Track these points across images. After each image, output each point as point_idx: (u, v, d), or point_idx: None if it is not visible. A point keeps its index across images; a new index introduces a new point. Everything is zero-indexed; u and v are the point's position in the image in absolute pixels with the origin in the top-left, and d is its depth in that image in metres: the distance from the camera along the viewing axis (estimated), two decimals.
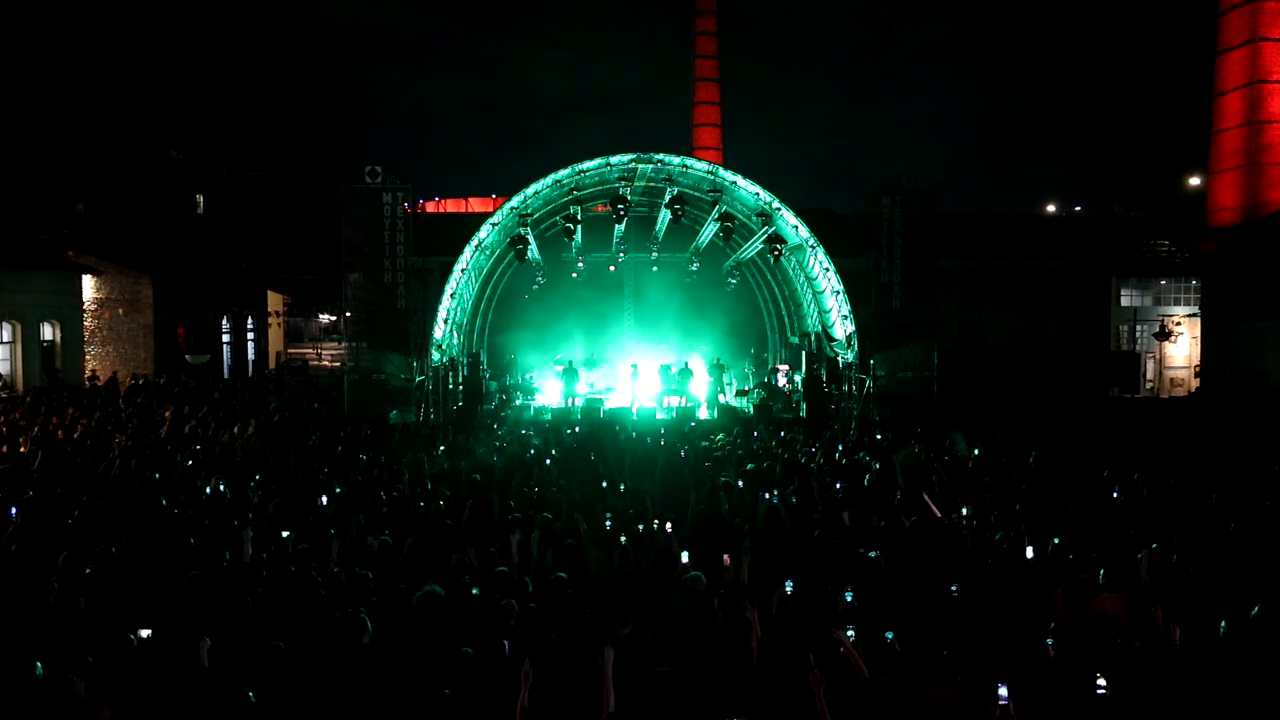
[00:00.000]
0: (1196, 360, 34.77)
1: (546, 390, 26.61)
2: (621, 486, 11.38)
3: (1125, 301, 36.85)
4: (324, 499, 10.31)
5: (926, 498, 10.23)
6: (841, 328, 22.57)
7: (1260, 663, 5.52)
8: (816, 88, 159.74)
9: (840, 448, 15.31)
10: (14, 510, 8.93)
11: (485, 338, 29.34)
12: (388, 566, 7.78)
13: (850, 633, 5.71)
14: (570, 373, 24.58)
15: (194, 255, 37.81)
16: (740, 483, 11.31)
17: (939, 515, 9.77)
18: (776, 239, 22.46)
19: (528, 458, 14.10)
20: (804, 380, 24.27)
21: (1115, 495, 11.08)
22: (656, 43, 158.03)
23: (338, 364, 36.41)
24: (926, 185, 23.05)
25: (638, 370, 24.72)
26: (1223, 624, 5.95)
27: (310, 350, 51.60)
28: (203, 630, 5.70)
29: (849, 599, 6.57)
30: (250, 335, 41.36)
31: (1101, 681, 4.96)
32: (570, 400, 24.13)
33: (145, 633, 5.80)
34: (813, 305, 24.49)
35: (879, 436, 17.56)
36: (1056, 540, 8.31)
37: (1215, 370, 32.37)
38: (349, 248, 22.12)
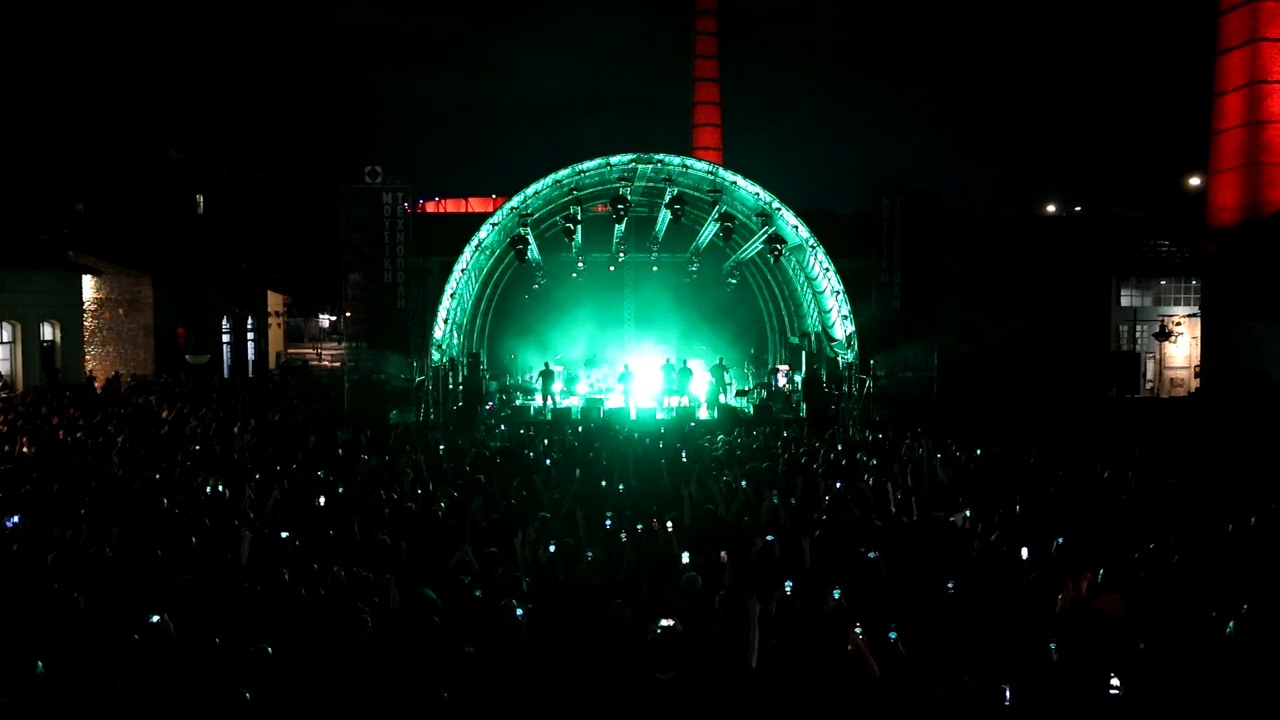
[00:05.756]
0: (1196, 360, 34.77)
1: None
2: (621, 487, 11.37)
3: (1125, 301, 36.85)
4: (322, 499, 10.31)
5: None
6: (841, 328, 22.57)
7: (1258, 661, 5.52)
8: (816, 88, 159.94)
9: (840, 447, 15.29)
10: (17, 518, 8.93)
11: (485, 338, 29.33)
12: (388, 567, 7.76)
13: (858, 632, 5.70)
14: (548, 375, 24.57)
15: (194, 255, 37.78)
16: (744, 483, 11.30)
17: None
18: (776, 239, 22.46)
19: (528, 458, 14.08)
20: (804, 380, 24.26)
21: (1115, 495, 11.07)
22: (656, 43, 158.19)
23: (338, 364, 36.38)
24: (926, 185, 23.06)
25: (629, 371, 24.63)
26: (1230, 625, 5.94)
27: (310, 350, 51.61)
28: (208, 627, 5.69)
29: (842, 599, 6.57)
30: (250, 335, 41.34)
31: (1115, 682, 4.95)
32: (549, 399, 24.13)
33: (155, 619, 5.78)
34: (813, 305, 24.49)
35: (879, 436, 17.55)
36: (1060, 540, 8.31)
37: (1215, 370, 32.37)
38: (349, 248, 22.11)
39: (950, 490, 11.35)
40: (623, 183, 23.09)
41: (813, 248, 22.48)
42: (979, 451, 14.58)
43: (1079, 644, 5.77)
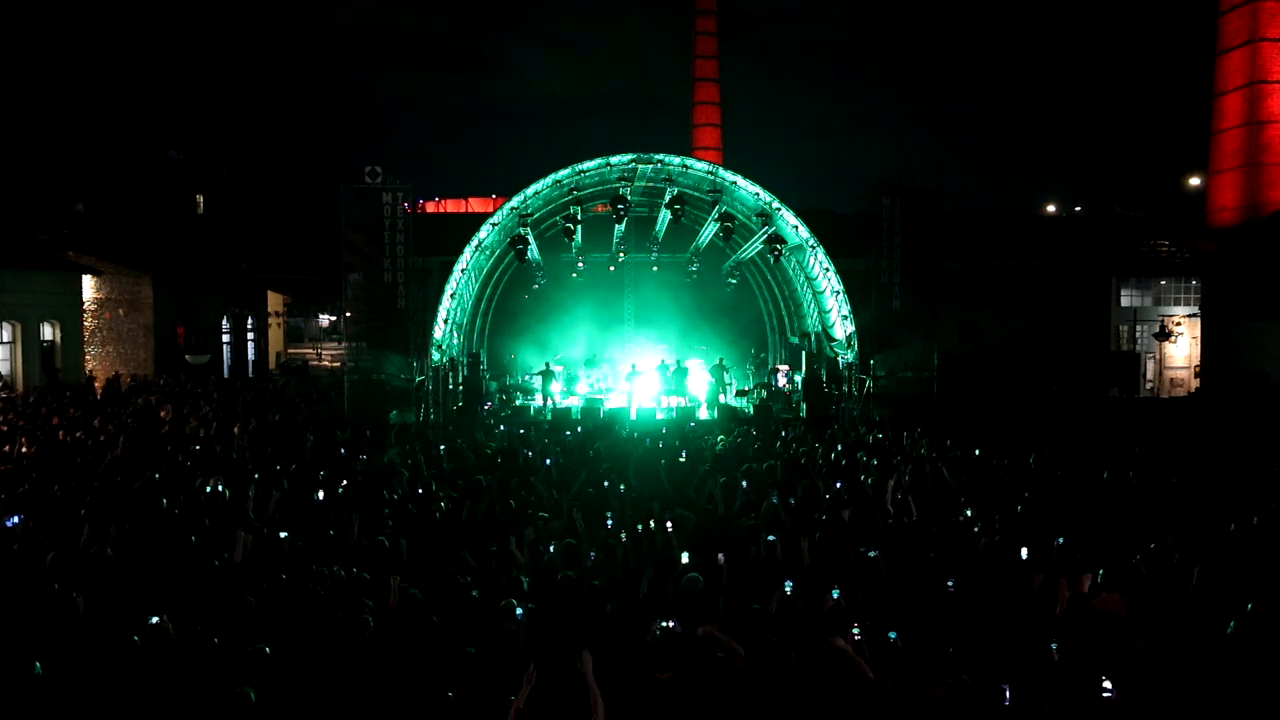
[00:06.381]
0: (1196, 360, 34.76)
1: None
2: (622, 487, 11.37)
3: (1125, 301, 36.84)
4: (320, 494, 10.32)
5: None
6: (841, 328, 22.56)
7: (1261, 662, 5.51)
8: (816, 88, 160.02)
9: (840, 448, 15.29)
10: (17, 518, 8.93)
11: (485, 338, 29.32)
12: (387, 567, 7.77)
13: (856, 632, 5.70)
14: (548, 375, 24.58)
15: (194, 255, 37.80)
16: (744, 483, 11.29)
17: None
18: (776, 239, 22.45)
19: (527, 458, 14.08)
20: (804, 380, 24.25)
21: (1115, 495, 11.07)
22: (656, 43, 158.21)
23: (338, 364, 36.39)
24: (926, 185, 23.05)
25: (636, 370, 24.70)
26: (1231, 624, 5.93)
27: (310, 350, 51.60)
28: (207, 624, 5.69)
29: (841, 599, 6.57)
30: (250, 335, 41.35)
31: (1107, 684, 4.95)
32: (548, 400, 24.14)
33: (155, 620, 5.79)
34: (813, 305, 24.48)
35: (879, 436, 17.55)
36: (1060, 540, 8.31)
37: (1215, 370, 32.36)
38: (349, 248, 22.12)
39: (951, 490, 11.35)
40: (623, 183, 23.09)
41: (813, 248, 22.48)
42: (979, 451, 14.58)
43: (1080, 644, 5.77)
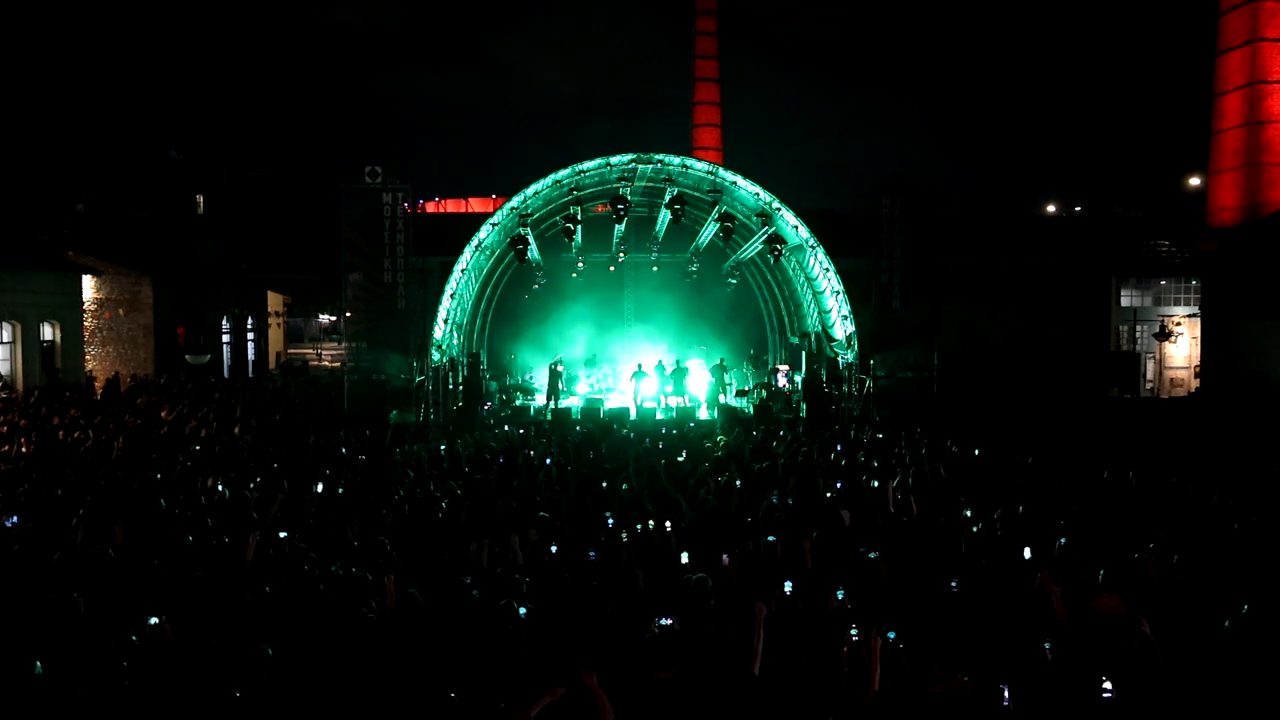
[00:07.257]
0: (1196, 360, 34.76)
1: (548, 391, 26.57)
2: (624, 486, 11.38)
3: (1125, 301, 36.84)
4: (322, 499, 10.32)
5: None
6: (841, 328, 22.57)
7: (1260, 662, 5.51)
8: (816, 88, 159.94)
9: (840, 448, 15.29)
10: (15, 519, 8.92)
11: (485, 338, 29.32)
12: (387, 567, 7.77)
13: (854, 633, 5.70)
14: (556, 374, 24.58)
15: (194, 255, 37.79)
16: (739, 483, 11.29)
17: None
18: (776, 239, 22.45)
19: (527, 458, 14.08)
20: (804, 380, 24.25)
21: (1115, 495, 11.07)
22: (656, 43, 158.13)
23: (338, 364, 36.40)
24: (926, 185, 23.11)
25: (642, 371, 24.69)
26: (1226, 623, 5.94)
27: (310, 350, 51.64)
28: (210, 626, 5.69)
29: (842, 598, 6.57)
30: (250, 335, 41.35)
31: (1107, 685, 4.95)
32: (553, 400, 24.15)
33: (154, 620, 5.79)
34: (813, 305, 24.48)
35: (879, 436, 17.55)
36: (1062, 540, 8.31)
37: (1215, 370, 32.36)
38: (349, 248, 22.14)
39: (951, 490, 11.35)
40: (623, 183, 23.09)
41: (813, 248, 22.48)
42: (978, 451, 14.58)
43: (1080, 644, 5.77)
